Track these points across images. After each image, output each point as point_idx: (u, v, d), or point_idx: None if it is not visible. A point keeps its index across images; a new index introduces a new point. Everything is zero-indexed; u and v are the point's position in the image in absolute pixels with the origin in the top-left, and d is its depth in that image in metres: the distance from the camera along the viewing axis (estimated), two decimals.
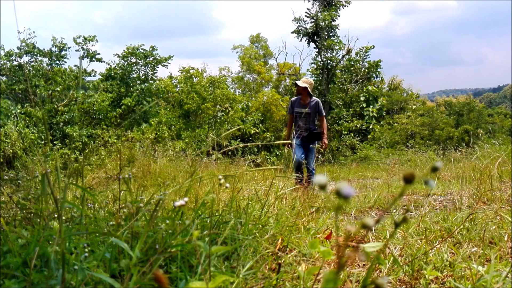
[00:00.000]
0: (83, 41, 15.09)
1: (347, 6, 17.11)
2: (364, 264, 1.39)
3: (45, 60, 14.72)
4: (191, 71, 16.67)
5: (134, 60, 15.90)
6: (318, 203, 2.50)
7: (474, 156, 5.17)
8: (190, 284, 0.78)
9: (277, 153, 14.34)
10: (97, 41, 15.36)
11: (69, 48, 15.01)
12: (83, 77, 14.78)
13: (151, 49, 15.98)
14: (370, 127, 17.16)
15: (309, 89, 5.51)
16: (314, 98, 5.58)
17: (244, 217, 1.51)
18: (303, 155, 5.34)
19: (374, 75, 18.64)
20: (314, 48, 16.93)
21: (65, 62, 15.03)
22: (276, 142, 2.05)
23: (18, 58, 14.25)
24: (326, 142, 5.62)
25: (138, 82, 15.87)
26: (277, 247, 1.37)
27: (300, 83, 5.60)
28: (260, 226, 1.56)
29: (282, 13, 75.80)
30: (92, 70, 15.77)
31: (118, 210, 1.44)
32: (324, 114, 5.64)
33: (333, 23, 16.71)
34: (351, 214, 2.74)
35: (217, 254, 1.17)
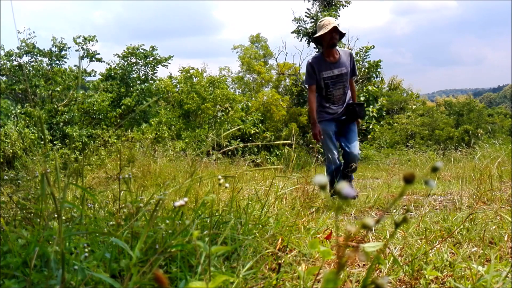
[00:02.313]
0: (83, 41, 15.09)
1: (347, 6, 17.12)
2: (364, 264, 1.39)
3: (45, 60, 14.72)
4: (191, 71, 16.67)
5: (134, 60, 15.90)
6: (318, 203, 2.50)
7: (476, 157, 5.17)
8: (190, 284, 0.78)
9: (277, 153, 14.33)
10: (97, 41, 15.37)
11: (69, 48, 15.01)
12: (83, 77, 14.78)
13: (151, 49, 15.98)
14: (370, 127, 17.17)
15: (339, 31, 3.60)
16: (341, 49, 3.76)
17: (244, 217, 1.51)
18: (338, 153, 3.71)
19: (374, 75, 18.63)
20: (314, 48, 16.93)
21: (65, 62, 15.03)
22: (276, 142, 2.05)
23: (18, 58, 14.25)
24: (359, 124, 3.94)
25: (138, 82, 15.87)
26: (277, 247, 1.37)
27: (328, 23, 3.57)
28: (260, 226, 1.56)
29: (282, 13, 75.85)
30: (92, 70, 15.77)
31: (118, 210, 1.44)
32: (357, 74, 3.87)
33: None
34: (351, 214, 2.74)
35: (217, 254, 1.17)
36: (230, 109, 15.30)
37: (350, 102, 3.77)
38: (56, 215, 0.91)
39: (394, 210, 2.67)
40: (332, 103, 3.72)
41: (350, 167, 3.59)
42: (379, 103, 18.01)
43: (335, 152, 3.69)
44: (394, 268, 1.29)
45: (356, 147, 3.67)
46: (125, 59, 15.82)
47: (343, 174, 3.68)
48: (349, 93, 3.80)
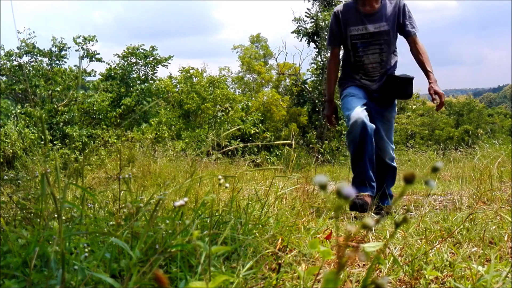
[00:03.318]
0: (83, 41, 15.11)
1: None
2: (364, 264, 1.39)
3: (45, 60, 14.74)
4: (191, 71, 16.69)
5: (134, 60, 15.92)
6: (318, 203, 2.50)
7: (476, 157, 5.17)
8: (190, 284, 0.78)
9: (277, 153, 14.33)
10: (97, 41, 15.40)
11: (69, 48, 15.04)
12: (83, 77, 14.78)
13: (151, 49, 16.01)
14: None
15: None
16: None
17: (244, 217, 1.51)
18: (369, 121, 2.44)
19: None
20: (314, 48, 16.94)
21: (65, 62, 15.07)
22: (276, 142, 2.05)
23: (18, 58, 14.26)
24: (440, 90, 2.50)
25: (138, 82, 15.89)
26: (277, 247, 1.37)
27: None
28: (260, 226, 1.56)
29: (282, 13, 75.70)
30: (92, 70, 15.81)
31: (118, 210, 1.44)
32: (418, 30, 2.61)
33: None
34: (351, 214, 2.74)
35: (217, 254, 1.17)
36: (230, 109, 15.30)
37: (394, 74, 2.64)
38: (56, 215, 0.91)
39: (394, 210, 2.67)
40: (363, 74, 2.64)
41: (380, 208, 2.58)
42: None
43: (360, 112, 2.42)
44: (394, 268, 1.29)
45: (389, 148, 2.68)
46: (125, 59, 15.84)
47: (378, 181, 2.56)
48: (390, 62, 2.66)
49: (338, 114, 2.91)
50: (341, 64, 2.83)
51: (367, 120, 2.43)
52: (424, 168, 6.75)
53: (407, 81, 2.63)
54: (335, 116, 2.86)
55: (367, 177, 2.46)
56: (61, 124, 13.32)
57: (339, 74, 2.86)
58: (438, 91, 2.52)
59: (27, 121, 12.10)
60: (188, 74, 16.61)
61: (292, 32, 16.96)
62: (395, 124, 17.45)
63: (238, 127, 14.62)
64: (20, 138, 10.37)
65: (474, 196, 2.83)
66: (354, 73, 2.69)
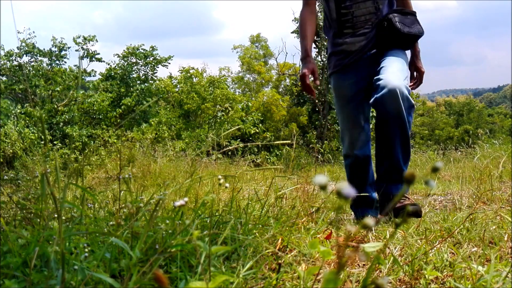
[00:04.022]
0: (83, 41, 15.13)
1: None
2: (364, 264, 1.39)
3: (45, 60, 14.76)
4: (191, 71, 16.70)
5: (134, 60, 15.93)
6: (318, 203, 2.50)
7: (476, 157, 5.17)
8: (190, 284, 0.78)
9: (277, 153, 14.34)
10: (96, 41, 15.43)
11: (69, 48, 15.06)
12: (83, 77, 14.79)
13: (151, 49, 16.02)
14: (370, 127, 17.16)
15: None
16: None
17: (244, 217, 1.51)
18: (367, 133, 2.28)
19: None
20: (314, 48, 16.94)
21: (65, 62, 15.10)
22: (276, 142, 2.04)
23: (18, 58, 14.28)
24: (423, 67, 2.16)
25: (138, 82, 15.90)
26: (277, 247, 1.37)
27: None
28: (260, 226, 1.56)
29: (282, 13, 75.82)
30: (92, 70, 15.83)
31: (118, 210, 1.44)
32: None
33: None
34: (351, 214, 2.74)
35: (217, 254, 1.17)
36: (230, 109, 15.31)
37: (385, 13, 1.98)
38: (56, 215, 0.91)
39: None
40: (351, 32, 2.01)
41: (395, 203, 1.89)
42: None
43: (357, 134, 2.16)
44: (394, 268, 1.29)
45: (396, 74, 1.89)
46: (125, 59, 15.86)
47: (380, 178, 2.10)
48: (386, 3, 2.03)
49: (317, 73, 2.18)
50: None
51: (368, 159, 2.26)
52: (424, 168, 6.75)
53: (406, 14, 1.98)
54: (314, 76, 2.12)
55: (370, 199, 2.33)
56: (61, 124, 13.33)
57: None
58: (421, 68, 2.14)
59: (27, 121, 12.11)
60: (188, 74, 16.63)
61: (292, 32, 16.98)
62: None
63: (238, 127, 14.63)
64: (20, 138, 10.37)
65: (474, 196, 2.83)
66: (337, 37, 2.05)
